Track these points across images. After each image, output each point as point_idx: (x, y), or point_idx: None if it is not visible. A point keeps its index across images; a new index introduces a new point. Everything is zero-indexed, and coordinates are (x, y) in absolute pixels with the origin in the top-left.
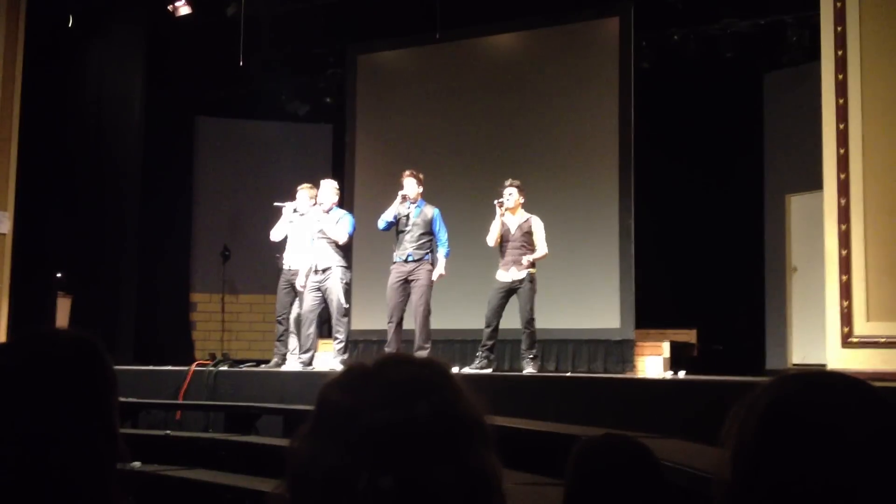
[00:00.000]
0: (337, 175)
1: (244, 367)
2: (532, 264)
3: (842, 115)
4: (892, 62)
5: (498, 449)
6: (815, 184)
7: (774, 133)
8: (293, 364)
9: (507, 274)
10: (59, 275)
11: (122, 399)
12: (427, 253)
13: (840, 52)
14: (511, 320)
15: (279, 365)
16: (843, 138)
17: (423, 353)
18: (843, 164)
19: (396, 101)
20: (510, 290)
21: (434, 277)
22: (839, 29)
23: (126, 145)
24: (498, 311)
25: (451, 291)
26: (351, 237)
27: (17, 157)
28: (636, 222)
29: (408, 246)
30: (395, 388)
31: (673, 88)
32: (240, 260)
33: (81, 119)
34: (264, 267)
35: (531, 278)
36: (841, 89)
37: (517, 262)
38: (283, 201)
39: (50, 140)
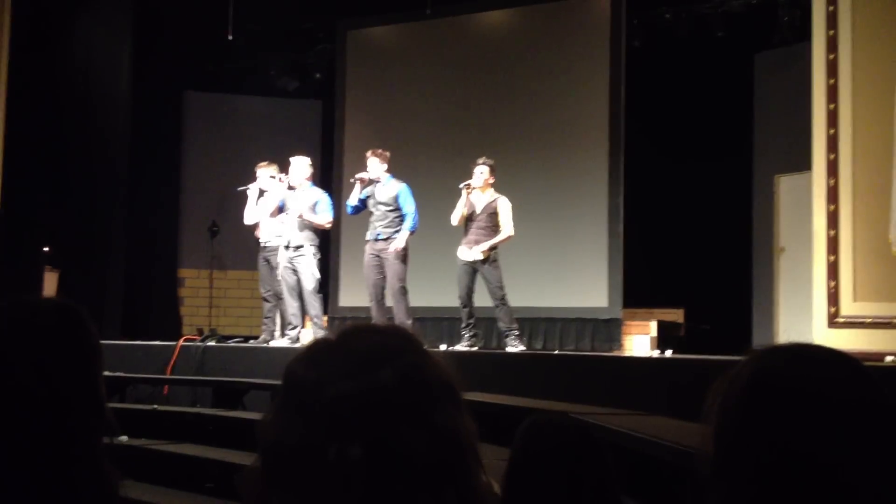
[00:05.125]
0: (326, 151)
1: (232, 343)
2: (492, 248)
3: (832, 95)
4: (883, 42)
5: (472, 412)
6: (805, 164)
7: (764, 113)
8: (281, 340)
9: (469, 253)
10: (46, 249)
11: (109, 374)
12: (396, 230)
13: (831, 32)
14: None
15: (268, 341)
16: (832, 119)
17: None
18: (832, 144)
19: (386, 77)
20: (474, 268)
21: (390, 248)
22: (831, 9)
23: (114, 120)
24: (469, 289)
25: (437, 269)
26: (333, 218)
27: (3, 130)
28: (625, 201)
29: (377, 224)
30: (359, 357)
31: (663, 67)
32: (228, 235)
33: (69, 93)
34: (252, 243)
35: (492, 258)
36: (832, 69)
37: (478, 243)
38: (246, 185)
39: (37, 114)
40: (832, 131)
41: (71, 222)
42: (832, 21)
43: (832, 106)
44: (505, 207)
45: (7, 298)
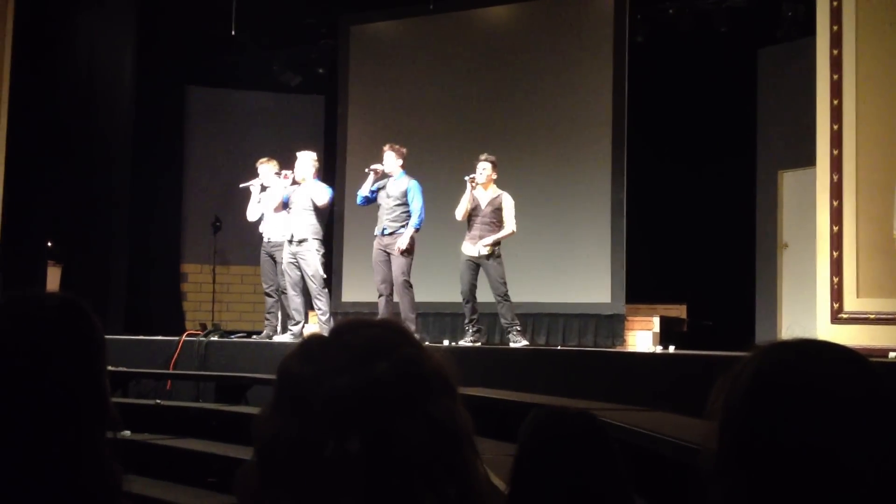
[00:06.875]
0: (329, 146)
1: (235, 338)
2: (496, 243)
3: (836, 90)
4: (886, 38)
5: (474, 407)
6: (808, 160)
7: (768, 109)
8: (284, 335)
9: (473, 248)
10: (49, 243)
11: (112, 368)
12: (402, 225)
13: (835, 28)
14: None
15: (270, 337)
16: (836, 114)
17: (408, 325)
18: (836, 140)
19: (389, 72)
20: (477, 263)
21: (395, 246)
22: (835, 4)
23: (117, 114)
24: (472, 284)
25: (440, 264)
26: (331, 204)
27: (7, 125)
28: (627, 197)
29: (384, 219)
30: (354, 352)
31: (667, 63)
32: (231, 231)
33: (72, 87)
34: (255, 238)
35: (496, 254)
36: (836, 65)
37: (482, 238)
38: (248, 181)
39: (40, 108)
40: (836, 127)
41: (74, 217)
42: (836, 16)
43: (836, 102)
44: (508, 203)
45: (10, 293)
